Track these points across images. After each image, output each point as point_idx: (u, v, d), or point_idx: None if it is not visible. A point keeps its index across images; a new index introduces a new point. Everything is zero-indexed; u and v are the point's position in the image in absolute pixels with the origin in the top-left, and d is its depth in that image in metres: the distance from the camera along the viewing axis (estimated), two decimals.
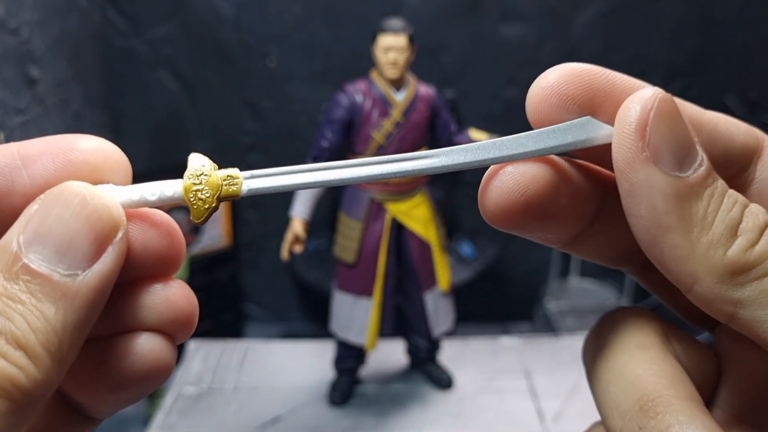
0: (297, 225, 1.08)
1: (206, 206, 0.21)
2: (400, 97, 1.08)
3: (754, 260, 0.19)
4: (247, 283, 1.65)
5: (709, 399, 0.23)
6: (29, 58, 1.16)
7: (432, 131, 1.13)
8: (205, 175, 0.21)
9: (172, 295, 0.21)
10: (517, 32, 1.49)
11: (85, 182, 0.19)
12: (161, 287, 0.21)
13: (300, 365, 1.29)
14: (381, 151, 1.08)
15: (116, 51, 1.50)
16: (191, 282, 1.21)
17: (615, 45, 1.50)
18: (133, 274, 0.20)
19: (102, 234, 0.18)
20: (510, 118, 1.53)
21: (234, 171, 0.21)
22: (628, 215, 0.20)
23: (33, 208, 0.18)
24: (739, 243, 0.19)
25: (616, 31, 1.49)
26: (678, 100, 0.22)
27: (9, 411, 0.16)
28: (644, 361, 0.21)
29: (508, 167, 0.21)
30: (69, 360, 0.17)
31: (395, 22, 1.05)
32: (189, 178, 0.21)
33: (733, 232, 0.19)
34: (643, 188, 0.19)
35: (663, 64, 1.51)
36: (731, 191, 0.20)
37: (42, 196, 0.18)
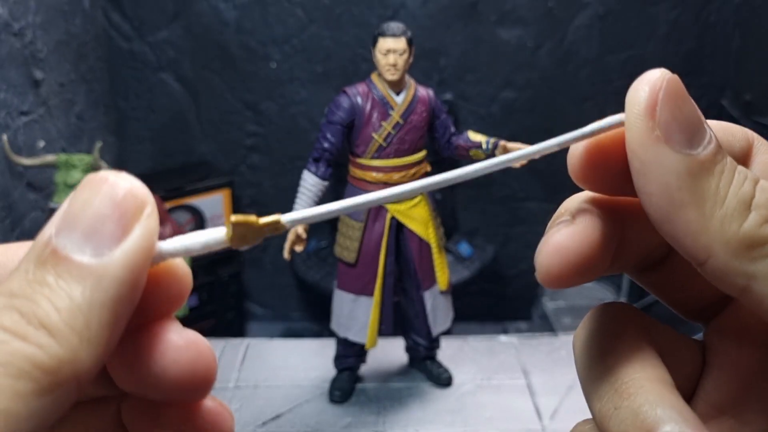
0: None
1: (247, 237, 0.21)
2: (399, 99, 1.09)
3: None
4: (248, 282, 1.66)
5: (692, 390, 0.24)
6: (33, 60, 1.17)
7: (431, 132, 1.14)
8: (247, 225, 0.21)
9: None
10: (514, 35, 1.50)
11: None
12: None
13: (301, 363, 1.30)
14: (381, 152, 1.10)
15: (120, 53, 1.51)
16: (194, 282, 1.22)
17: (611, 47, 1.51)
18: (145, 316, 0.20)
19: (128, 213, 0.19)
20: (508, 120, 1.54)
21: (275, 218, 0.21)
22: (640, 194, 0.20)
23: (66, 203, 0.19)
24: (754, 217, 0.19)
25: (612, 33, 1.51)
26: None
27: (32, 392, 0.16)
28: (620, 349, 0.22)
29: (558, 235, 0.22)
30: (102, 340, 0.17)
31: (395, 26, 1.06)
32: (232, 227, 0.21)
33: (747, 206, 0.19)
34: (655, 166, 0.20)
35: (659, 66, 1.52)
36: (741, 167, 0.20)
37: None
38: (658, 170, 0.20)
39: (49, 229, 0.18)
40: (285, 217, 0.22)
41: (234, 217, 0.21)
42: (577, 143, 0.22)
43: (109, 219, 0.18)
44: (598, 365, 0.23)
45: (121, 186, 0.19)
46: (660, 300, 0.26)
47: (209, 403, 0.21)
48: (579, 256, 0.21)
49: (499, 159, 0.22)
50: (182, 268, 0.21)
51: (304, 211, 0.22)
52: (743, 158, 0.24)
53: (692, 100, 0.20)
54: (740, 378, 0.23)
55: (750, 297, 0.19)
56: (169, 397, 0.20)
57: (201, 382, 0.20)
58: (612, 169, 0.22)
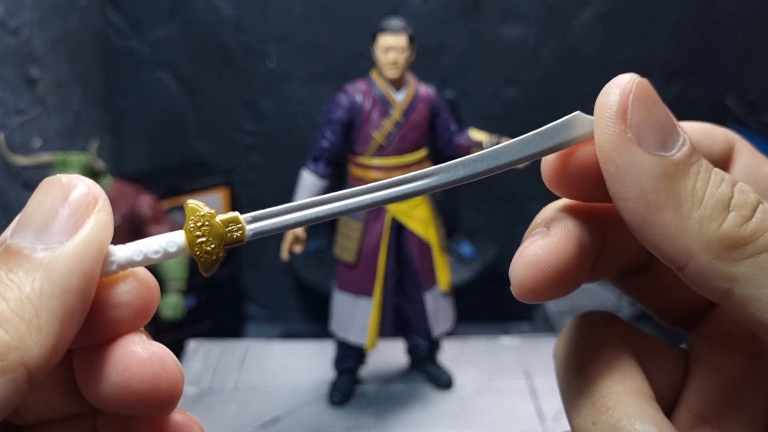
0: None
1: (213, 258, 0.21)
2: (400, 97, 1.08)
3: (749, 235, 0.18)
4: (247, 282, 1.65)
5: (675, 399, 0.24)
6: (29, 58, 1.16)
7: (432, 131, 1.13)
8: (206, 225, 0.21)
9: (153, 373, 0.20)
10: (516, 32, 1.49)
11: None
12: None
13: (300, 365, 1.29)
14: (381, 151, 1.08)
15: (116, 51, 1.50)
16: (191, 282, 1.22)
17: (614, 45, 1.50)
18: (111, 329, 0.20)
19: (80, 209, 0.19)
20: (510, 118, 1.53)
21: (234, 215, 0.21)
22: (616, 199, 0.20)
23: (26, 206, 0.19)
24: (733, 217, 0.19)
25: (615, 31, 1.49)
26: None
27: None
28: (599, 361, 0.22)
29: (533, 247, 0.21)
30: (52, 330, 0.17)
31: (395, 22, 1.05)
32: (191, 231, 0.21)
33: (725, 206, 0.19)
34: (630, 170, 0.19)
35: (662, 64, 1.51)
36: (717, 169, 0.20)
37: None
38: (633, 173, 0.19)
39: (6, 232, 0.19)
40: (246, 217, 0.21)
41: (188, 213, 0.21)
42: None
43: (60, 215, 0.19)
44: (577, 378, 0.22)
45: (73, 185, 0.19)
46: (642, 307, 0.26)
47: (178, 416, 0.21)
48: (555, 269, 0.20)
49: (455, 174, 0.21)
50: (147, 279, 0.20)
51: (268, 214, 0.21)
52: (724, 160, 0.23)
53: (663, 103, 0.20)
54: (723, 386, 0.23)
55: (732, 301, 0.19)
56: (135, 412, 0.20)
57: (165, 397, 0.19)
58: (586, 176, 0.21)
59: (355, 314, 1.14)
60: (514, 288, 0.21)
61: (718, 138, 0.23)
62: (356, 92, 1.08)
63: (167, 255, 0.20)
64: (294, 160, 1.45)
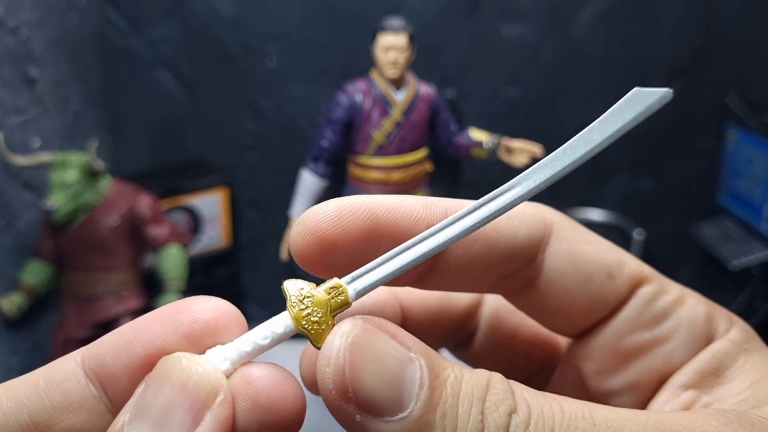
0: None
1: (323, 327, 0.20)
2: (400, 97, 1.08)
3: None
4: (246, 283, 1.65)
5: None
6: (28, 57, 1.16)
7: (432, 131, 1.12)
8: (309, 297, 0.21)
9: None
10: (517, 32, 1.49)
11: (188, 352, 0.19)
12: None
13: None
14: (381, 150, 1.08)
15: (116, 51, 1.50)
16: (191, 282, 1.22)
17: (615, 45, 1.50)
18: None
19: (198, 402, 0.18)
20: (510, 118, 1.53)
21: (335, 281, 0.21)
22: None
23: (141, 387, 0.18)
24: None
25: (616, 30, 1.49)
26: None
27: None
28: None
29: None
30: None
31: (395, 22, 1.05)
32: (295, 306, 0.21)
33: None
34: None
35: (663, 64, 1.51)
36: (463, 390, 0.18)
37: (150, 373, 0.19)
38: None
39: (123, 415, 0.18)
40: (346, 279, 0.21)
41: (289, 292, 0.20)
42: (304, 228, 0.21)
43: (179, 408, 0.18)
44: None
45: (193, 371, 0.18)
46: (532, 318, 0.25)
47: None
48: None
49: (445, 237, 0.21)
50: (293, 394, 0.20)
51: (366, 270, 0.21)
52: (531, 246, 0.22)
53: (389, 339, 0.18)
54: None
55: None
56: None
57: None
58: (343, 259, 0.21)
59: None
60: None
61: (528, 219, 0.22)
62: (356, 92, 1.07)
63: (276, 338, 0.21)
64: (294, 159, 1.45)
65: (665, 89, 0.20)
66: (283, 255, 1.09)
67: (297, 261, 0.21)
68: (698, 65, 1.52)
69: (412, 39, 1.05)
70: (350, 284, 0.21)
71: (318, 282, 0.21)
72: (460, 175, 1.51)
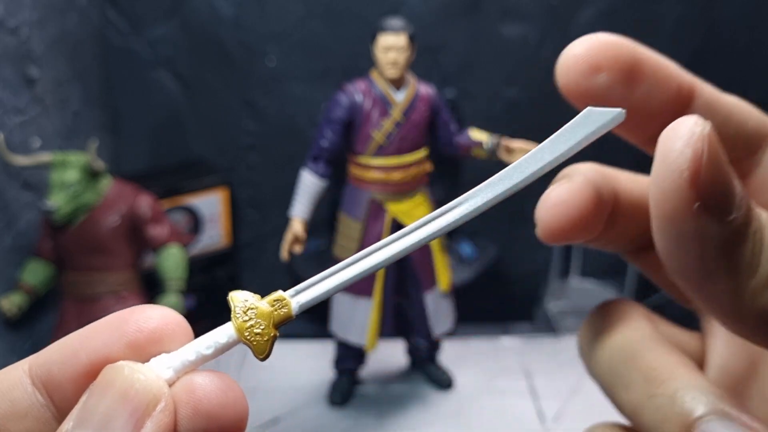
0: (297, 225, 1.08)
1: (265, 339, 0.21)
2: (400, 97, 1.08)
3: None
4: (246, 283, 1.65)
5: None
6: (28, 57, 1.16)
7: (432, 131, 1.12)
8: (252, 309, 0.21)
9: None
10: (517, 32, 1.49)
11: (132, 360, 0.20)
12: None
13: (300, 366, 1.28)
14: (381, 150, 1.08)
15: (115, 50, 1.49)
16: (191, 282, 1.22)
17: None
18: None
19: (138, 410, 0.18)
20: (510, 118, 1.53)
21: (278, 294, 0.21)
22: (667, 258, 0.19)
23: (85, 395, 0.19)
24: None
25: (616, 30, 1.47)
26: (696, 81, 0.23)
27: None
28: (639, 339, 0.23)
29: (557, 190, 0.23)
30: None
31: (395, 22, 1.05)
32: (238, 318, 0.21)
33: None
34: (693, 238, 0.18)
35: None
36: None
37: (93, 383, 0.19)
38: (695, 242, 0.18)
39: (67, 423, 0.18)
40: (290, 292, 0.21)
41: (234, 303, 0.21)
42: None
43: (120, 415, 0.18)
44: (619, 357, 0.22)
45: (135, 379, 0.19)
46: (656, 284, 0.26)
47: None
48: (576, 209, 0.22)
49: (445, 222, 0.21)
50: (236, 402, 0.21)
51: (310, 284, 0.21)
52: (756, 139, 0.23)
53: (725, 155, 0.19)
54: (740, 364, 0.23)
55: None
56: None
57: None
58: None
59: (355, 315, 1.13)
60: (540, 230, 0.22)
61: (751, 122, 0.23)
62: (356, 92, 1.07)
63: (220, 348, 0.21)
64: (294, 159, 1.45)
65: (618, 109, 0.20)
66: (284, 255, 1.09)
67: (561, 79, 0.23)
68: (698, 66, 1.52)
69: (412, 39, 1.05)
70: (294, 297, 0.21)
71: (275, 289, 0.21)
72: (460, 175, 1.51)
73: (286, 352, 1.33)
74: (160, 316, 0.21)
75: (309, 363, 1.29)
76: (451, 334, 1.24)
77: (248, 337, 0.21)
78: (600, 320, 0.24)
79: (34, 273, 1.10)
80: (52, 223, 1.07)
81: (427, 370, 1.23)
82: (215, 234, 1.47)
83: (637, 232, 0.24)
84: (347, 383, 1.19)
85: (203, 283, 1.45)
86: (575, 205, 0.22)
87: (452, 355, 1.28)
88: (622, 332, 0.23)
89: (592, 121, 0.21)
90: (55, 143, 1.24)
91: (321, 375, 1.24)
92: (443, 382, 1.21)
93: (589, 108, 0.21)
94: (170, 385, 0.20)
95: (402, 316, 1.20)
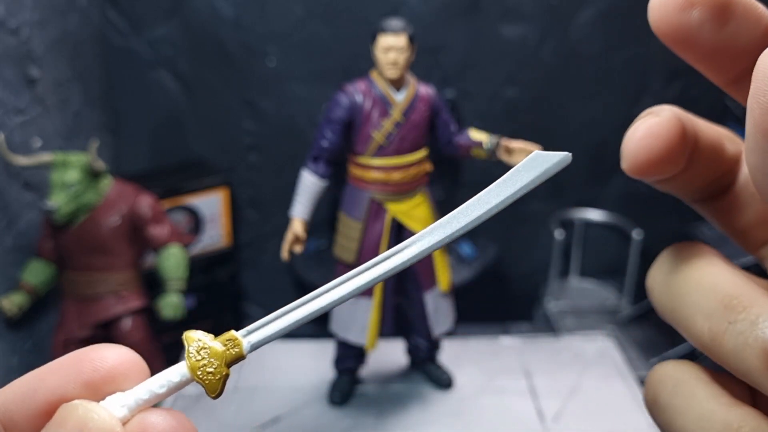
0: (297, 225, 1.08)
1: (217, 378, 0.22)
2: (400, 97, 1.08)
3: None
4: (247, 283, 1.65)
5: None
6: (29, 58, 1.16)
7: (432, 131, 1.13)
8: (206, 348, 0.21)
9: None
10: (517, 32, 1.49)
11: (87, 399, 0.20)
12: None
13: (300, 365, 1.29)
14: (381, 151, 1.08)
15: (116, 51, 1.50)
16: (191, 282, 1.22)
17: (615, 45, 1.50)
18: None
19: None
20: (510, 118, 1.53)
21: (231, 333, 0.22)
22: (761, 176, 0.19)
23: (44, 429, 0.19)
24: None
25: (616, 31, 1.49)
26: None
27: None
28: (718, 272, 0.23)
29: (646, 124, 0.23)
30: None
31: (395, 22, 1.05)
32: (191, 357, 0.21)
33: None
34: None
35: (663, 65, 1.51)
36: None
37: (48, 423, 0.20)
38: None
39: None
40: (242, 332, 0.22)
41: (187, 342, 0.21)
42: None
43: None
44: (698, 288, 0.23)
45: (89, 418, 0.19)
46: (720, 229, 0.27)
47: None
48: (664, 140, 0.22)
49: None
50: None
51: (263, 324, 0.22)
52: (735, 160, 0.25)
53: None
54: None
55: None
56: None
57: None
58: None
59: (355, 314, 1.14)
60: (627, 164, 0.23)
61: (737, 142, 0.24)
62: (356, 92, 1.07)
63: (173, 386, 0.21)
64: (294, 159, 1.45)
65: (564, 153, 0.21)
66: (284, 255, 1.09)
67: (653, 15, 0.23)
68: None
69: (411, 40, 1.05)
70: (246, 337, 0.22)
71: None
72: (460, 175, 1.51)
73: (286, 352, 1.33)
74: (116, 356, 0.21)
75: (309, 363, 1.29)
76: (451, 333, 1.24)
77: (201, 376, 0.21)
78: (676, 257, 0.25)
79: (35, 273, 1.11)
80: (53, 223, 1.07)
81: (426, 370, 1.23)
82: (215, 234, 1.48)
83: (711, 178, 0.25)
84: (347, 383, 1.20)
85: (204, 283, 1.45)
86: (664, 137, 0.22)
87: (452, 354, 1.28)
88: (700, 266, 0.24)
89: (539, 164, 0.21)
90: (55, 143, 1.24)
91: (321, 375, 1.24)
92: (443, 381, 1.21)
93: (536, 152, 0.22)
94: (124, 424, 0.20)
95: (402, 315, 1.20)
